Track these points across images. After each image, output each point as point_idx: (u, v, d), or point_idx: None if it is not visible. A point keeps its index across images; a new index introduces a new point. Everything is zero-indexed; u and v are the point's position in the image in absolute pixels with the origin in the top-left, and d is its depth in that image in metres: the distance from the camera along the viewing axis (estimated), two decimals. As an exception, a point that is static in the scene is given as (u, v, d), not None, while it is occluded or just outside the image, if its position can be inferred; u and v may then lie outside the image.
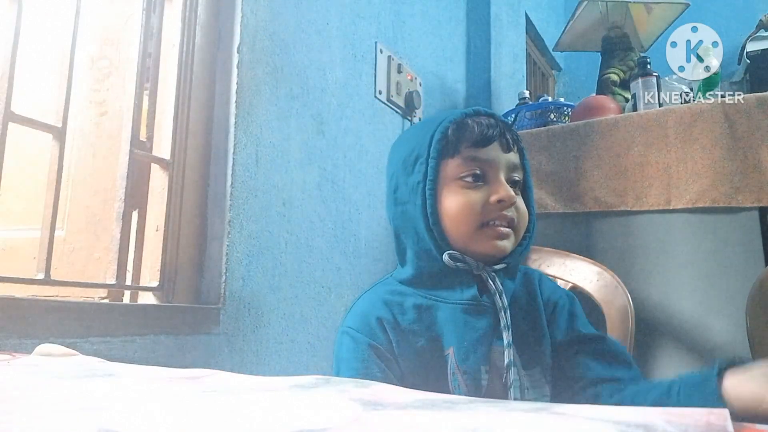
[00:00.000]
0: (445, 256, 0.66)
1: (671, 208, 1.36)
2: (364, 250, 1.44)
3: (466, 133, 0.67)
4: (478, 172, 0.67)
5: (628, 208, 1.43)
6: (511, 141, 0.69)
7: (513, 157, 0.69)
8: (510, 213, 0.67)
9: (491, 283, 0.67)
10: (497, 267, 0.68)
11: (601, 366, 0.66)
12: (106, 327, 0.84)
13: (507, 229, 0.67)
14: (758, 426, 0.25)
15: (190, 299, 1.04)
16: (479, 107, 0.72)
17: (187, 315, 0.97)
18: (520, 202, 0.69)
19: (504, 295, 0.67)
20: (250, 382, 0.40)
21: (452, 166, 0.67)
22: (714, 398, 0.48)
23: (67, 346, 0.57)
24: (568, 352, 0.69)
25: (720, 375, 0.49)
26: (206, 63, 1.11)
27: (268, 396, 0.34)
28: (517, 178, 0.69)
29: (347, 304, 1.35)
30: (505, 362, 0.64)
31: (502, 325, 0.65)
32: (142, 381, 0.41)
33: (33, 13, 0.90)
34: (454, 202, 0.66)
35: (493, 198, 0.65)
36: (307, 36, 1.28)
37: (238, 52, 1.09)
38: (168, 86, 1.06)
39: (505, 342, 0.65)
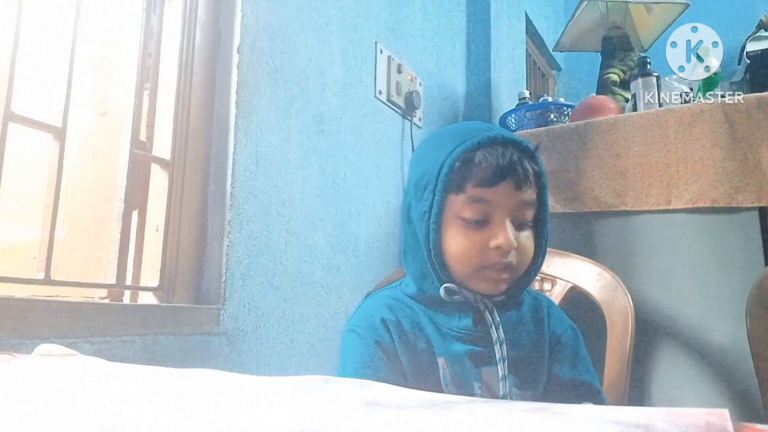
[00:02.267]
0: (442, 290, 0.66)
1: (671, 208, 1.36)
2: (364, 250, 1.44)
3: (473, 170, 0.64)
4: (479, 217, 0.64)
5: (628, 208, 1.42)
6: (525, 177, 0.64)
7: (526, 194, 0.65)
8: (509, 258, 0.64)
9: (488, 315, 0.66)
10: (496, 299, 0.67)
11: None
12: (106, 327, 0.84)
13: (504, 275, 0.65)
14: (758, 426, 0.25)
15: (190, 299, 1.04)
16: (500, 132, 0.66)
17: (187, 315, 0.97)
18: (526, 240, 0.66)
19: (501, 327, 0.66)
20: (250, 382, 0.40)
21: (457, 204, 0.65)
22: None
23: (67, 346, 0.57)
24: (560, 392, 0.69)
25: None
26: (206, 63, 1.11)
27: (268, 396, 0.34)
28: (528, 217, 0.66)
29: (347, 304, 1.35)
30: (500, 394, 0.64)
31: (497, 357, 0.65)
32: (142, 381, 0.41)
33: (33, 13, 0.90)
34: (454, 242, 0.65)
35: (492, 244, 0.63)
36: (307, 36, 1.28)
37: (238, 52, 1.09)
38: (168, 86, 1.06)
39: (500, 374, 0.64)
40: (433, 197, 0.65)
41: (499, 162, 0.63)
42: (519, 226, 0.66)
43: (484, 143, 0.64)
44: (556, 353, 0.71)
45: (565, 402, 0.67)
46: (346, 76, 1.43)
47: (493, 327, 0.66)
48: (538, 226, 0.69)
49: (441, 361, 0.67)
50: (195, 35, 1.10)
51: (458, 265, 0.66)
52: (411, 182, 0.70)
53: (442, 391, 0.66)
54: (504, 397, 0.64)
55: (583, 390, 0.69)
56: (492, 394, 0.65)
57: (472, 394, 0.65)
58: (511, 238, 0.63)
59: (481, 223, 0.64)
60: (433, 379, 0.66)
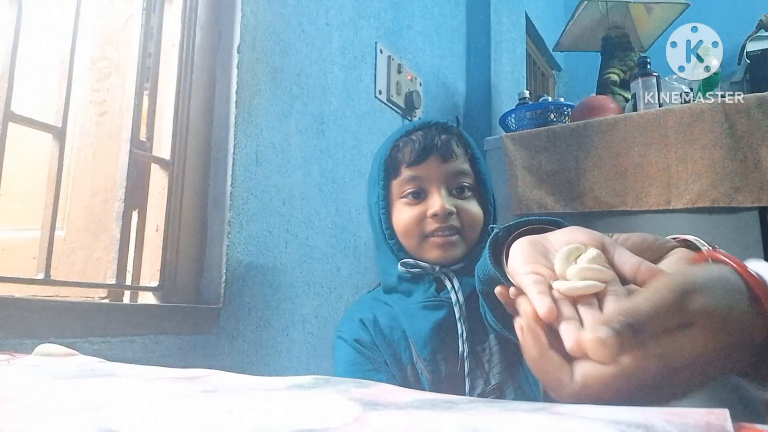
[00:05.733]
0: (399, 266, 0.73)
1: (671, 208, 1.36)
2: (364, 250, 1.44)
3: (401, 155, 0.74)
4: (414, 190, 0.73)
5: (628, 208, 1.43)
6: (449, 151, 0.72)
7: (455, 165, 0.73)
8: (451, 222, 0.71)
9: (448, 282, 0.72)
10: (454, 267, 0.73)
11: None
12: (106, 327, 0.84)
13: (452, 238, 0.72)
14: (758, 426, 0.25)
15: (190, 299, 1.04)
16: (425, 120, 0.77)
17: (187, 315, 0.97)
18: (468, 205, 0.73)
19: (461, 291, 0.71)
20: (249, 382, 0.40)
21: (396, 186, 0.74)
22: (488, 264, 0.43)
23: (67, 346, 0.57)
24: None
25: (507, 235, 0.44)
26: (206, 63, 1.11)
27: (267, 396, 0.34)
28: (465, 184, 0.74)
29: (347, 304, 1.35)
30: (460, 351, 0.70)
31: (457, 316, 0.70)
32: (142, 381, 0.41)
33: (33, 13, 0.90)
34: (399, 219, 0.74)
35: (429, 212, 0.71)
36: (307, 36, 1.28)
37: (238, 52, 1.09)
38: (168, 86, 1.06)
39: (459, 332, 0.70)
40: (378, 187, 0.75)
41: (421, 142, 0.73)
42: (459, 195, 0.73)
43: (410, 131, 0.75)
44: None
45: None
46: (346, 76, 1.43)
47: (453, 291, 0.71)
48: (481, 193, 0.76)
49: (411, 342, 0.73)
50: (195, 35, 1.10)
51: (406, 239, 0.73)
52: (367, 185, 0.80)
53: (417, 372, 0.72)
54: (462, 356, 0.69)
55: None
56: (455, 360, 0.70)
57: (438, 366, 0.71)
58: (445, 203, 0.71)
59: (419, 198, 0.73)
60: (411, 363, 0.72)
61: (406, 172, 0.73)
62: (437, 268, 0.72)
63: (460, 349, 0.69)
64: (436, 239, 0.71)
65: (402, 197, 0.74)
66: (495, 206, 0.77)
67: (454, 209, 0.71)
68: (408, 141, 0.74)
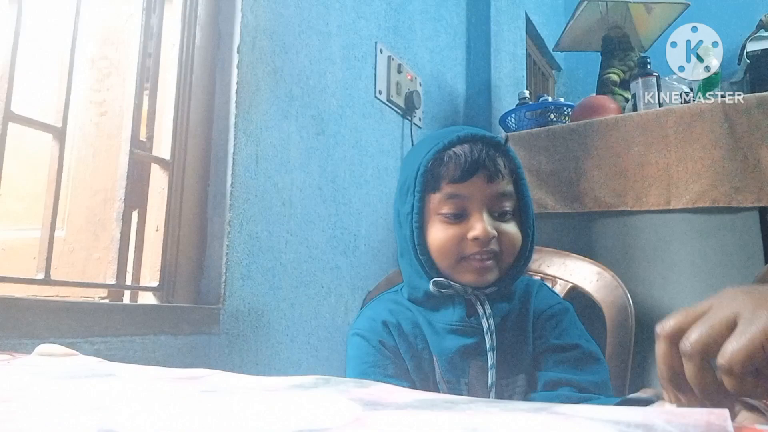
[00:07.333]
0: (431, 285, 0.69)
1: (671, 208, 1.36)
2: (363, 250, 1.44)
3: (445, 169, 0.68)
4: (456, 211, 0.68)
5: (628, 208, 1.42)
6: (496, 170, 0.68)
7: (500, 186, 0.68)
8: (491, 246, 0.67)
9: (480, 306, 0.69)
10: (487, 291, 0.70)
11: (564, 369, 0.68)
12: (106, 327, 0.84)
13: (488, 263, 0.68)
14: (758, 426, 0.25)
15: (190, 299, 1.04)
16: (469, 131, 0.70)
17: (187, 315, 0.97)
18: (508, 228, 0.69)
19: (492, 318, 0.68)
20: (250, 382, 0.40)
21: (435, 201, 0.69)
22: None
23: (67, 346, 0.57)
24: (543, 358, 0.70)
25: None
26: (206, 63, 1.10)
27: (267, 396, 0.34)
28: (507, 207, 0.69)
29: (347, 304, 1.35)
30: (489, 382, 0.67)
31: (487, 346, 0.67)
32: (142, 381, 0.41)
33: (33, 13, 0.90)
34: (435, 237, 0.68)
35: (470, 235, 0.67)
36: (307, 36, 1.28)
37: (238, 52, 1.09)
38: (168, 86, 1.06)
39: (489, 363, 0.67)
40: (413, 198, 0.69)
41: (467, 158, 0.67)
42: (500, 217, 0.69)
43: (454, 142, 0.69)
44: (540, 328, 0.72)
45: (544, 364, 0.68)
46: (346, 76, 1.43)
47: (485, 318, 0.68)
48: (522, 216, 0.71)
49: (435, 359, 0.70)
50: (195, 35, 1.10)
51: (441, 259, 0.69)
52: (398, 187, 0.74)
53: (438, 390, 0.69)
54: (491, 387, 0.67)
55: (560, 351, 0.69)
56: (479, 386, 0.68)
57: (458, 389, 0.68)
58: (488, 228, 0.66)
59: (460, 217, 0.68)
60: (432, 376, 0.70)
61: (447, 189, 0.68)
62: (470, 290, 0.69)
63: (489, 381, 0.67)
64: (473, 263, 0.68)
65: (439, 214, 0.69)
66: (534, 229, 0.72)
67: (496, 233, 0.67)
68: (452, 155, 0.68)
